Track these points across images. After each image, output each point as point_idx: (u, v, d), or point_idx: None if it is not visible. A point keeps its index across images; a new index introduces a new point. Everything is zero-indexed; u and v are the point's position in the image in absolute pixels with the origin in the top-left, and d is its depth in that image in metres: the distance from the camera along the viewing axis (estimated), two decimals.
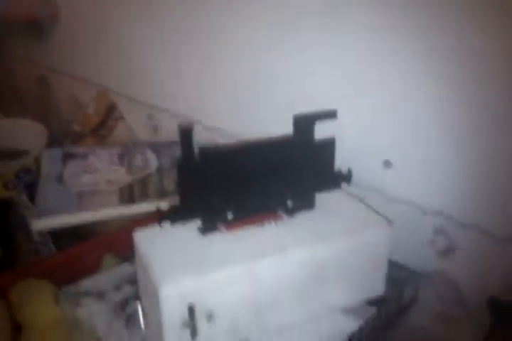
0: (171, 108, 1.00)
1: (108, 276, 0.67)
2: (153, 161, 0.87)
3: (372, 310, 0.61)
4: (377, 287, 0.62)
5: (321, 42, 0.72)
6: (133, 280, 0.64)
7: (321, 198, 0.61)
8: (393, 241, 0.59)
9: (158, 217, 0.53)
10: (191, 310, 0.50)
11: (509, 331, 0.58)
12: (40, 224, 0.74)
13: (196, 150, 0.51)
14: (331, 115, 0.57)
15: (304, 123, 0.56)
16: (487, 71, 0.58)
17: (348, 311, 0.61)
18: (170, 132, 1.01)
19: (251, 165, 0.56)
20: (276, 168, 0.57)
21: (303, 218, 0.59)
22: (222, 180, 0.54)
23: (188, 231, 0.56)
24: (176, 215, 0.53)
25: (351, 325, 0.59)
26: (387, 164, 0.71)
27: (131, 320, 0.60)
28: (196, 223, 0.56)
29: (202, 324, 0.52)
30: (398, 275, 0.67)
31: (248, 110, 0.86)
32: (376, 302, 0.62)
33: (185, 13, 0.89)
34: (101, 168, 0.85)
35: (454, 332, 0.71)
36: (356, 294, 0.61)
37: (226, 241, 0.55)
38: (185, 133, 0.50)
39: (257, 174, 0.57)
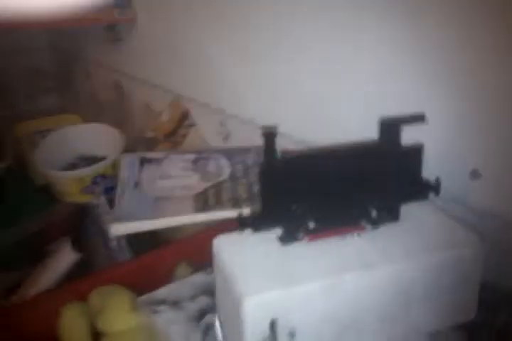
0: (243, 115, 1.00)
1: (183, 286, 0.67)
2: (226, 168, 0.87)
3: (462, 335, 0.57)
4: (467, 311, 0.57)
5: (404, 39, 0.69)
6: (208, 291, 0.63)
7: (406, 210, 0.58)
8: (486, 259, 0.55)
9: (239, 224, 0.51)
10: (274, 325, 0.48)
11: None
12: (119, 229, 0.75)
13: (279, 156, 0.49)
14: (418, 119, 0.53)
15: (390, 128, 0.53)
16: None
17: (435, 336, 0.57)
18: (241, 139, 1.01)
19: (334, 172, 0.53)
20: (360, 176, 0.55)
21: (387, 231, 0.56)
22: (304, 187, 0.52)
23: (268, 240, 0.54)
24: (257, 222, 0.52)
25: None
26: (474, 174, 0.67)
27: (208, 332, 0.59)
28: (275, 232, 0.55)
29: None
30: (490, 298, 0.62)
31: (320, 116, 0.84)
32: (466, 327, 0.57)
33: (259, 18, 0.89)
34: (175, 174, 0.85)
35: None
36: (444, 318, 0.56)
37: (308, 253, 0.53)
38: (269, 137, 0.48)
39: (340, 181, 0.54)
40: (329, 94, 0.82)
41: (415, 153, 0.56)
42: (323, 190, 0.54)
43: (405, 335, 0.55)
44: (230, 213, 0.73)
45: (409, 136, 0.56)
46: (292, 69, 0.86)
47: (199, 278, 0.67)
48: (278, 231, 0.54)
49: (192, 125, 1.11)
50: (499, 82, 0.60)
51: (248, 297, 0.46)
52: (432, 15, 0.64)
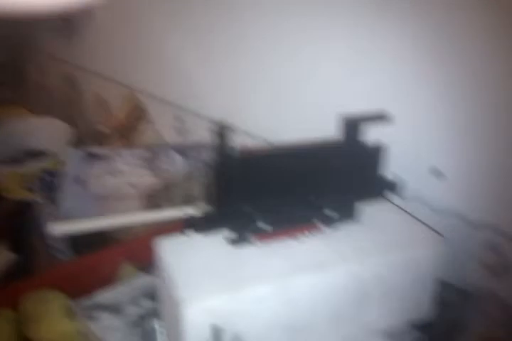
0: (200, 110, 0.96)
1: (125, 289, 0.62)
2: (180, 165, 0.82)
3: (416, 334, 0.55)
4: (423, 309, 0.56)
5: (360, 43, 0.66)
6: (151, 294, 0.59)
7: (366, 210, 0.55)
8: (445, 258, 0.53)
9: (184, 225, 0.47)
10: (217, 333, 0.44)
11: None
12: (59, 229, 0.69)
13: (231, 153, 0.46)
14: (380, 117, 0.50)
15: (352, 126, 0.50)
16: None
17: (390, 335, 0.54)
18: (198, 135, 0.97)
19: (290, 171, 0.50)
20: (316, 174, 0.51)
21: (343, 231, 0.53)
22: (256, 185, 0.49)
23: (216, 241, 0.50)
24: (204, 223, 0.48)
25: None
26: (434, 172, 0.65)
27: (148, 338, 0.55)
28: (225, 233, 0.51)
29: None
30: (446, 296, 0.60)
31: (286, 116, 0.81)
32: (421, 325, 0.56)
33: (219, 14, 0.85)
34: (125, 171, 0.80)
35: None
36: (400, 317, 0.55)
37: (258, 254, 0.49)
38: (222, 132, 0.44)
39: (294, 180, 0.51)
40: (293, 91, 0.79)
41: (375, 151, 0.54)
42: (275, 189, 0.51)
43: (359, 334, 0.52)
44: (181, 212, 0.69)
45: (374, 135, 0.54)
46: (254, 65, 0.83)
47: (142, 281, 0.63)
48: (227, 233, 0.50)
49: (147, 120, 1.06)
50: (459, 80, 0.59)
51: (188, 302, 0.42)
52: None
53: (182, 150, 0.86)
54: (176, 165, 0.82)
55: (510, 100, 0.55)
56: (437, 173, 0.64)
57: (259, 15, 0.79)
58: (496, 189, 0.60)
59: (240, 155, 0.46)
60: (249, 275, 0.46)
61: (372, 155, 0.53)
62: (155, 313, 0.57)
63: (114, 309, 0.58)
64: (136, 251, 0.71)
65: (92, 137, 1.13)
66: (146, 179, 0.78)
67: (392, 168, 0.59)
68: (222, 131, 0.44)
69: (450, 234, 0.64)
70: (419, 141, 0.65)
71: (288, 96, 0.80)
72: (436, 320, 0.57)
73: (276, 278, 0.46)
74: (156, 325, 0.55)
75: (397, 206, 0.58)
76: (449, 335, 0.61)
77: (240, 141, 0.83)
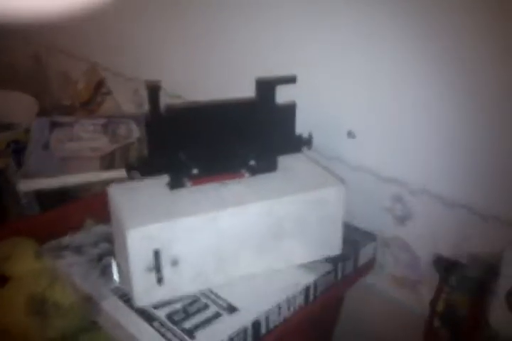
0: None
1: (86, 234, 0.73)
2: (135, 131, 0.92)
3: (329, 266, 0.66)
4: (334, 246, 0.67)
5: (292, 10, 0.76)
6: (108, 239, 0.69)
7: (284, 161, 0.66)
8: (346, 199, 0.64)
9: (127, 168, 0.57)
10: (157, 254, 0.55)
11: (452, 286, 0.63)
12: (26, 186, 0.79)
13: (161, 108, 0.56)
14: (290, 80, 0.61)
15: (265, 87, 0.61)
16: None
17: (305, 266, 0.65)
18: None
19: (217, 125, 0.61)
20: (240, 129, 0.62)
21: (264, 177, 0.64)
22: (189, 137, 0.59)
23: (157, 186, 0.61)
24: (144, 167, 0.58)
25: (307, 279, 0.63)
26: (350, 134, 0.76)
27: (105, 271, 0.65)
28: (166, 179, 0.61)
29: (167, 269, 0.57)
30: (356, 237, 0.72)
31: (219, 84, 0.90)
32: (332, 259, 0.67)
33: None
34: (85, 137, 0.90)
35: (410, 295, 0.76)
36: (313, 251, 0.66)
37: (191, 195, 0.60)
38: (153, 91, 0.54)
39: (223, 133, 0.61)
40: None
41: (289, 110, 0.65)
42: (207, 141, 0.61)
43: (278, 265, 0.64)
44: None
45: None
46: (202, 38, 0.92)
47: (101, 228, 0.73)
48: (167, 178, 0.61)
49: (107, 93, 1.15)
50: (379, 47, 0.68)
51: (131, 229, 0.53)
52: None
53: (138, 119, 0.96)
54: (132, 131, 0.92)
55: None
56: (352, 135, 0.75)
57: None
58: (401, 147, 0.70)
59: (170, 109, 0.56)
60: (183, 209, 0.57)
61: (286, 114, 0.64)
62: (111, 253, 0.67)
63: (77, 250, 0.69)
64: (96, 206, 0.81)
65: (57, 110, 1.20)
66: (103, 144, 0.88)
67: (312, 128, 0.70)
68: (153, 88, 0.54)
69: (362, 186, 0.76)
70: (334, 105, 0.76)
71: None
72: (346, 256, 0.67)
73: (205, 212, 0.57)
74: (112, 260, 0.65)
75: (310, 158, 0.69)
76: (358, 270, 0.72)
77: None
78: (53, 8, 1.10)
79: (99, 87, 1.16)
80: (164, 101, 0.57)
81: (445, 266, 0.65)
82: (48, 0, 1.10)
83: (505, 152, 0.60)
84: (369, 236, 0.73)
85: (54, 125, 0.92)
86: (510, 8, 0.54)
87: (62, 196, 0.87)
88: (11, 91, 1.24)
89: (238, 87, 0.86)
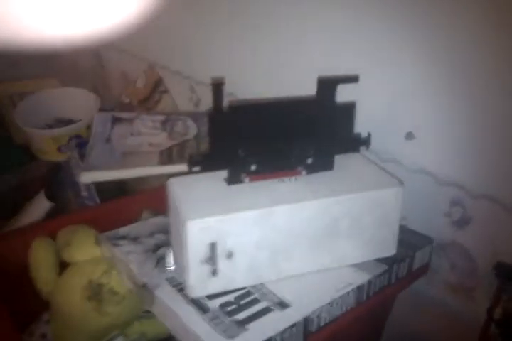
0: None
1: (143, 225, 0.75)
2: (192, 128, 0.94)
3: (383, 268, 0.65)
4: (388, 247, 0.66)
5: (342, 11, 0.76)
6: (165, 230, 0.71)
7: (341, 160, 0.66)
8: (403, 201, 0.63)
9: (189, 162, 0.59)
10: (213, 247, 0.56)
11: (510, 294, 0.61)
12: (87, 177, 0.82)
13: (226, 104, 0.57)
14: (352, 79, 0.61)
15: (327, 86, 0.61)
16: None
17: (359, 266, 0.65)
18: (209, 105, 1.08)
19: (276, 122, 0.61)
20: (299, 127, 0.63)
21: (321, 176, 0.64)
22: (249, 133, 0.60)
23: (216, 180, 0.62)
24: (205, 162, 0.59)
25: (361, 279, 0.63)
26: (409, 136, 0.75)
27: (161, 261, 0.67)
28: (224, 174, 0.62)
29: (222, 261, 0.58)
30: (412, 240, 0.71)
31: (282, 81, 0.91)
32: (387, 261, 0.66)
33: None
34: (144, 132, 0.92)
35: (464, 301, 0.74)
36: (368, 252, 0.65)
37: (248, 190, 0.61)
38: (217, 87, 0.56)
39: (282, 131, 0.62)
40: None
41: (348, 109, 0.65)
42: (266, 138, 0.62)
43: (333, 264, 0.64)
44: None
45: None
46: (256, 38, 0.93)
47: (158, 220, 0.75)
48: (225, 174, 0.62)
49: (165, 91, 1.18)
50: (435, 51, 0.68)
51: (190, 221, 0.55)
52: None
53: (195, 117, 0.98)
54: (189, 128, 0.94)
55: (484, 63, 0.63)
56: (411, 136, 0.75)
57: None
58: (461, 150, 0.69)
59: (232, 105, 0.58)
60: (240, 204, 0.58)
61: (346, 113, 0.64)
62: (167, 244, 0.69)
63: (134, 239, 0.71)
64: (154, 199, 0.83)
65: (117, 107, 1.25)
66: (162, 139, 0.90)
67: (368, 128, 0.70)
68: (217, 85, 0.56)
69: (420, 189, 0.74)
70: (395, 106, 0.75)
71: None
72: (401, 259, 0.66)
73: (261, 207, 0.58)
74: (168, 250, 0.67)
75: (368, 158, 0.69)
76: (412, 274, 0.71)
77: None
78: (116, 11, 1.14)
79: (156, 86, 1.20)
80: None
81: (506, 273, 0.63)
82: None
83: None
84: (425, 240, 0.71)
85: (115, 120, 0.95)
86: None
87: (121, 189, 0.90)
88: (73, 88, 1.29)
89: (291, 87, 0.88)
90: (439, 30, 0.65)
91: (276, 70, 0.92)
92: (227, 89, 1.01)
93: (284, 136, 0.63)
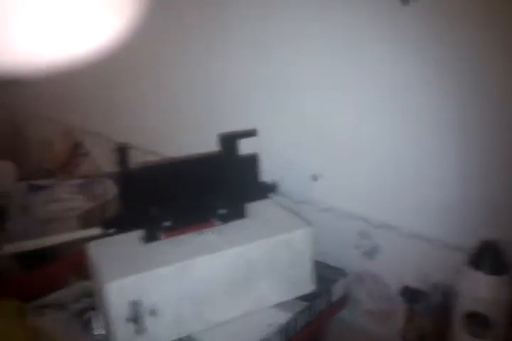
0: (133, 142, 1.10)
1: (70, 290, 0.75)
2: (112, 189, 0.96)
3: (304, 304, 0.69)
4: (307, 284, 0.70)
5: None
6: (91, 294, 0.71)
7: (254, 207, 0.71)
8: (314, 240, 0.68)
9: (102, 225, 0.61)
10: (135, 305, 0.58)
11: (417, 315, 0.66)
12: (8, 250, 0.81)
13: (131, 166, 0.61)
14: (251, 133, 0.67)
15: (228, 141, 0.66)
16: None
17: (281, 306, 0.68)
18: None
19: (185, 179, 0.65)
20: (208, 181, 0.67)
21: (235, 224, 0.69)
22: (159, 192, 0.64)
23: (134, 240, 0.65)
24: (118, 223, 0.62)
25: (283, 318, 0.66)
26: (314, 177, 0.81)
27: (88, 324, 0.67)
28: (140, 233, 0.65)
29: (147, 319, 0.60)
30: (327, 275, 0.75)
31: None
32: (306, 297, 0.70)
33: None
34: (64, 197, 0.94)
35: (385, 325, 0.79)
36: (287, 291, 0.69)
37: (165, 246, 0.64)
38: (122, 151, 0.60)
39: (192, 186, 0.66)
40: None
41: (251, 160, 0.70)
42: (177, 195, 0.66)
43: (256, 307, 0.67)
44: None
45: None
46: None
47: (84, 284, 0.76)
48: (140, 233, 0.65)
49: (85, 154, 1.20)
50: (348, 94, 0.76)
51: (108, 283, 0.57)
52: None
53: (114, 177, 1.01)
54: (108, 189, 0.96)
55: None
56: (315, 178, 0.81)
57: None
58: (366, 186, 0.75)
59: (137, 168, 0.61)
60: (157, 260, 0.60)
61: (250, 164, 0.69)
62: (92, 307, 0.70)
63: (61, 306, 0.71)
64: (78, 264, 0.84)
65: (38, 173, 1.25)
66: (79, 203, 0.92)
67: (278, 174, 0.75)
68: (121, 149, 0.59)
69: (330, 225, 0.80)
70: (299, 151, 0.82)
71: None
72: (319, 294, 0.70)
73: (177, 261, 0.61)
74: (93, 314, 0.68)
75: (277, 203, 0.74)
76: (332, 306, 0.75)
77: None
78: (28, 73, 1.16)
79: (75, 149, 1.22)
80: (140, 158, 0.62)
81: (410, 296, 0.68)
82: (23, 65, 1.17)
83: (457, 185, 0.66)
84: (339, 273, 0.76)
85: (34, 188, 0.96)
86: None
87: (41, 255, 0.90)
88: None
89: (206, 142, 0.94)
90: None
91: (190, 129, 0.97)
92: (150, 147, 1.06)
93: (195, 191, 0.67)
